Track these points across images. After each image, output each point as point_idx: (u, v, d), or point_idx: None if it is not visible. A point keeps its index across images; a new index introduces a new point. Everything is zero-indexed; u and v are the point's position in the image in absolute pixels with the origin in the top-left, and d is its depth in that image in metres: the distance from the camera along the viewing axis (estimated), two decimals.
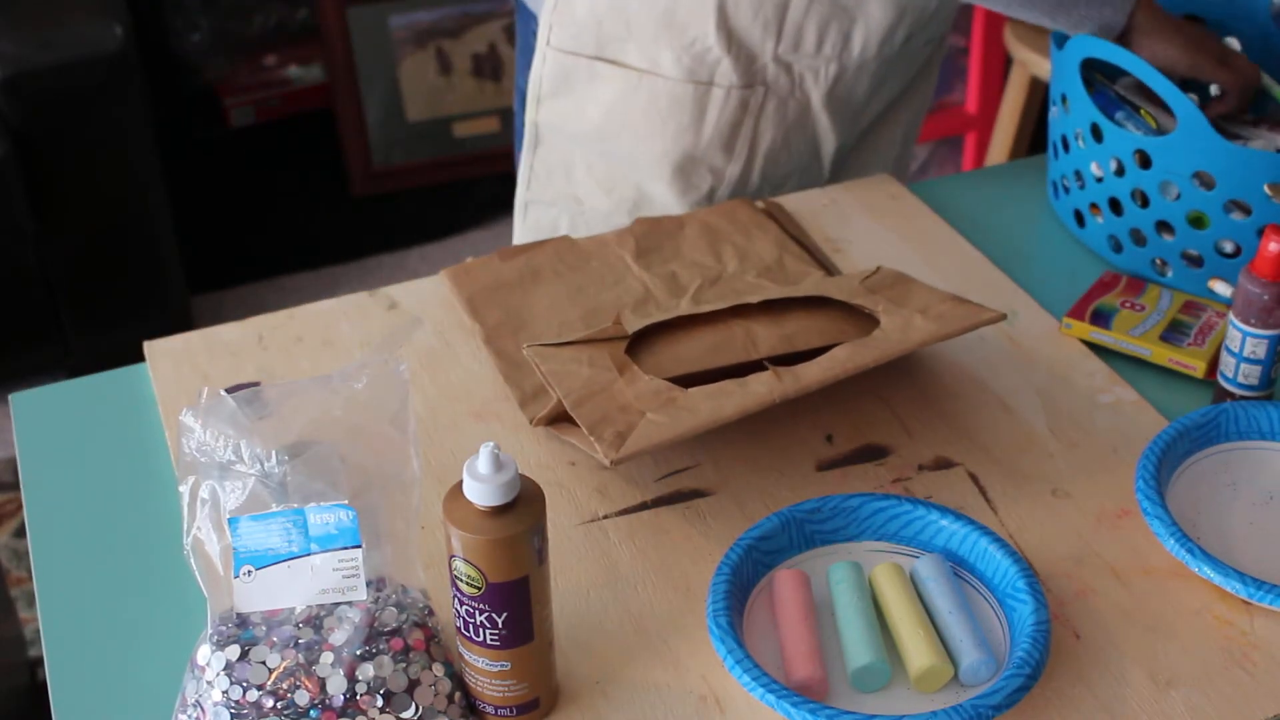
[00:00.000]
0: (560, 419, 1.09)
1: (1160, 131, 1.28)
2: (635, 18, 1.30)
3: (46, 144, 2.43)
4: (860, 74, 1.35)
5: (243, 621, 0.86)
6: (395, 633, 0.86)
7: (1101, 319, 1.20)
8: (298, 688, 0.83)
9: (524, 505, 0.83)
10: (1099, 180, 1.29)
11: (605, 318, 1.19)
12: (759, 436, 1.11)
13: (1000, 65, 2.76)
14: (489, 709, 0.88)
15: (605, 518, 1.05)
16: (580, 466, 1.09)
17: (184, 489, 0.87)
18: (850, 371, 1.05)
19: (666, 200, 1.39)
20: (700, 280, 1.25)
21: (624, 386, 1.04)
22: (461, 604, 0.85)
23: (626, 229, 1.31)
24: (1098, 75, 1.33)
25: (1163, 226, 1.25)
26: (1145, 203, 1.26)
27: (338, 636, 0.85)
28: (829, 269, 1.28)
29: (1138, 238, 1.28)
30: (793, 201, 1.39)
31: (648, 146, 1.37)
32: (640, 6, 1.30)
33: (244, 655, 0.84)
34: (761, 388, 1.03)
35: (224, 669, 0.84)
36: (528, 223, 1.47)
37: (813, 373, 1.05)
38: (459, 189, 3.04)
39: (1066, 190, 1.35)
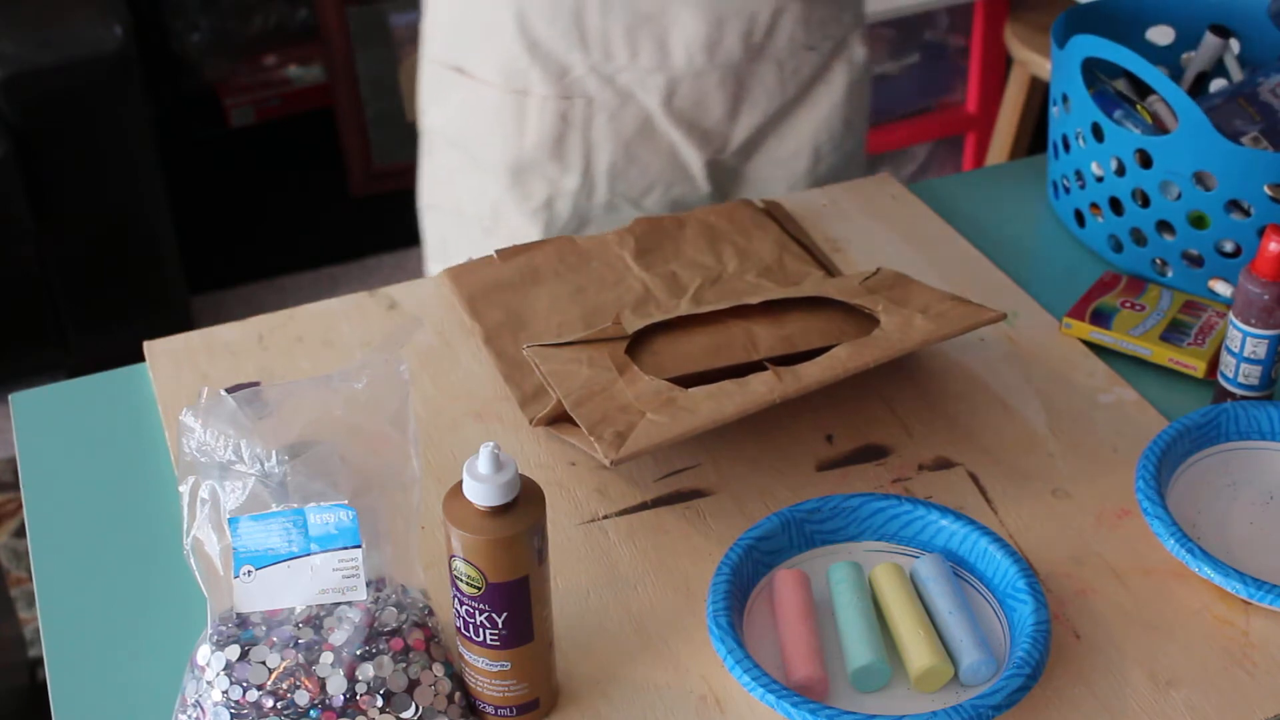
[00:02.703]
0: (560, 419, 1.09)
1: (1156, 125, 1.28)
2: (468, 26, 1.31)
3: (46, 144, 2.44)
4: (701, 84, 1.32)
5: (243, 621, 0.86)
6: (395, 633, 0.86)
7: (1101, 319, 1.20)
8: (298, 688, 0.83)
9: (524, 505, 0.83)
10: (1099, 180, 1.29)
11: (605, 318, 1.19)
12: (759, 436, 1.11)
13: (1000, 65, 2.76)
14: (489, 709, 0.88)
15: (605, 518, 1.05)
16: (580, 466, 1.09)
17: (184, 489, 0.87)
18: (851, 371, 1.05)
19: (508, 208, 1.39)
20: (700, 280, 1.25)
21: (624, 387, 1.04)
22: (461, 604, 0.85)
23: (626, 229, 1.31)
24: (1097, 74, 1.33)
25: (1163, 226, 1.25)
26: (1146, 202, 1.26)
27: (338, 636, 0.85)
28: (829, 269, 1.28)
29: (1138, 238, 1.28)
30: (792, 201, 1.39)
31: (486, 153, 1.38)
32: (468, 15, 1.31)
33: (244, 655, 0.84)
34: (762, 387, 1.03)
35: (224, 669, 0.84)
36: (427, 229, 1.50)
37: (813, 372, 1.05)
38: None
39: (1066, 190, 1.35)
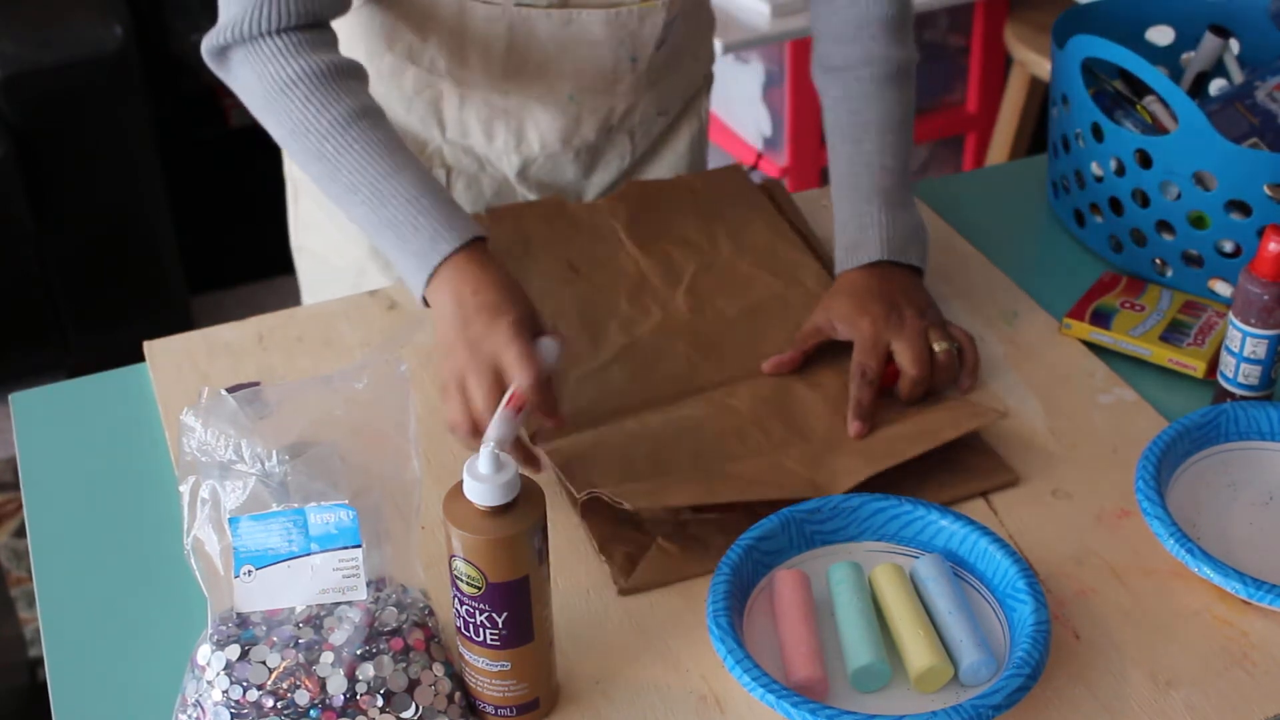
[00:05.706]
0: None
1: (1156, 125, 1.28)
2: None
3: (46, 144, 2.43)
4: (555, 161, 1.35)
5: (243, 621, 0.86)
6: (395, 633, 0.86)
7: (1101, 319, 1.20)
8: (298, 688, 0.83)
9: (524, 505, 0.83)
10: (1099, 180, 1.29)
11: (603, 313, 1.19)
12: None
13: (1000, 65, 2.76)
14: (489, 709, 0.88)
15: None
16: None
17: (184, 489, 0.87)
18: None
19: (371, 268, 1.39)
20: (695, 266, 1.25)
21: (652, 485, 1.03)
22: (461, 604, 0.85)
23: (617, 195, 1.33)
24: (1097, 74, 1.33)
25: (1163, 226, 1.25)
26: (1145, 203, 1.26)
27: (338, 636, 0.85)
28: (822, 258, 1.28)
29: (1138, 238, 1.28)
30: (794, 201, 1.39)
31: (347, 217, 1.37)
32: None
33: (244, 655, 0.84)
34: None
35: (224, 669, 0.84)
36: (299, 268, 1.50)
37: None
38: None
39: (1066, 190, 1.35)
